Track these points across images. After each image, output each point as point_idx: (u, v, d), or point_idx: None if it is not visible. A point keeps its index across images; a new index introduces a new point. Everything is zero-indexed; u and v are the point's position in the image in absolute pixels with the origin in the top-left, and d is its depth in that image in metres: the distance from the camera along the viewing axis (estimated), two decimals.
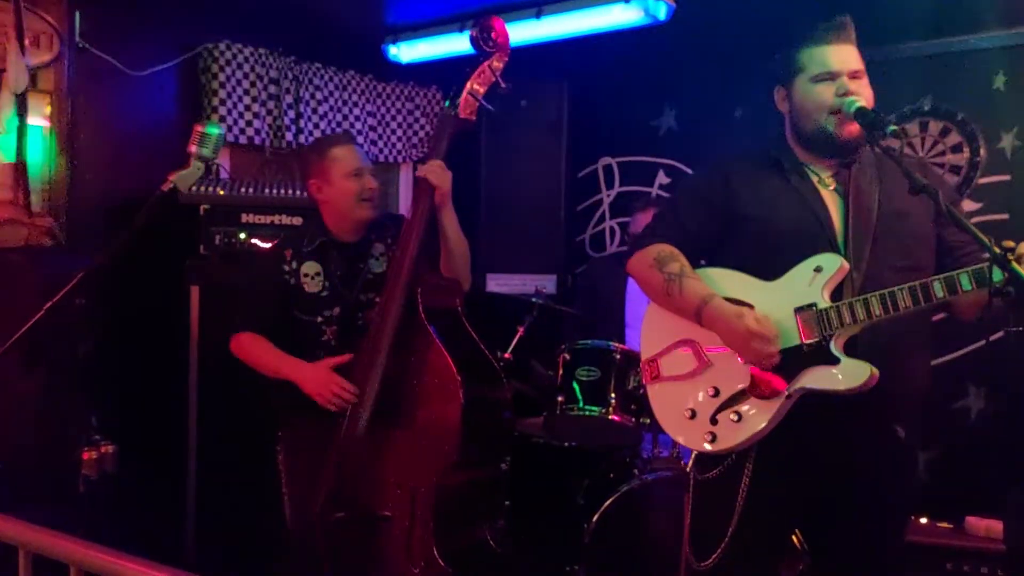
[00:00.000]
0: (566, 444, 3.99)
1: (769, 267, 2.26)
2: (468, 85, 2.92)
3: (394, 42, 4.94)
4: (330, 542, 2.84)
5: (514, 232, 5.12)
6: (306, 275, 3.02)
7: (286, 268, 3.02)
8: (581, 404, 3.55)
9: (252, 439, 3.45)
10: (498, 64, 2.93)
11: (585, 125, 5.18)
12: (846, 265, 2.18)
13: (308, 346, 2.99)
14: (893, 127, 2.07)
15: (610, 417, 3.50)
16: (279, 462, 3.09)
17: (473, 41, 2.93)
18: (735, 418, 2.23)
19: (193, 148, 2.75)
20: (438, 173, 2.87)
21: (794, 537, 2.77)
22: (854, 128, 2.21)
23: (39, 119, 3.80)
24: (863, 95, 2.23)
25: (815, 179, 2.33)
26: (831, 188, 2.32)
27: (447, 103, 2.96)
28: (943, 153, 4.15)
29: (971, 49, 4.05)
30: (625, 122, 5.19)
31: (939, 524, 3.56)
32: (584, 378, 3.57)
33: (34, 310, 2.50)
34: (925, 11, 3.95)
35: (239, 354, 3.03)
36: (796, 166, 2.35)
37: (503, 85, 2.95)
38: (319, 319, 3.01)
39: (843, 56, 2.27)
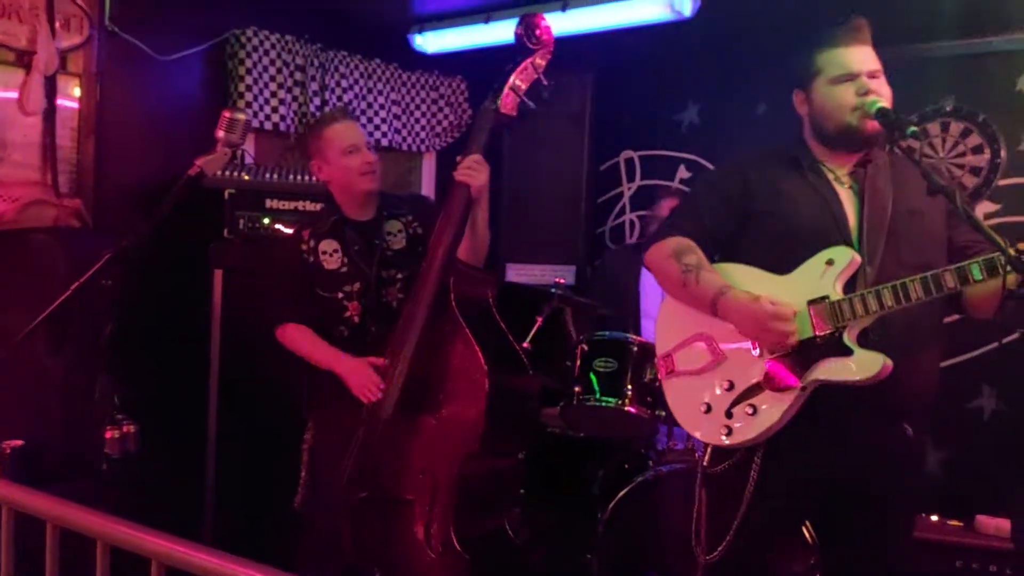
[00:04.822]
0: (582, 434, 4.02)
1: (784, 262, 2.29)
2: (510, 80, 2.90)
3: (420, 32, 4.96)
4: (352, 521, 2.88)
5: (535, 222, 5.15)
6: (324, 252, 3.07)
7: (304, 248, 3.09)
8: (598, 395, 3.57)
9: (272, 421, 3.51)
10: (541, 61, 2.93)
11: (608, 118, 5.19)
12: (857, 257, 2.20)
13: (331, 322, 3.06)
14: (913, 128, 2.08)
15: (626, 408, 3.52)
16: (304, 440, 3.15)
17: (517, 38, 2.91)
18: (750, 411, 2.25)
19: (221, 133, 2.78)
20: (475, 170, 2.86)
21: (805, 531, 2.80)
22: (875, 124, 2.22)
23: (68, 101, 3.85)
24: (883, 94, 2.25)
25: (831, 177, 2.35)
26: (847, 186, 2.35)
27: (490, 97, 2.93)
28: (964, 154, 4.14)
29: (995, 51, 4.03)
30: (648, 116, 5.19)
31: (949, 522, 3.59)
32: (601, 369, 3.58)
33: (61, 290, 2.54)
34: (949, 12, 3.94)
35: (286, 344, 3.11)
36: (813, 164, 2.37)
37: (545, 82, 2.94)
38: (340, 295, 3.06)
39: (861, 56, 2.28)
